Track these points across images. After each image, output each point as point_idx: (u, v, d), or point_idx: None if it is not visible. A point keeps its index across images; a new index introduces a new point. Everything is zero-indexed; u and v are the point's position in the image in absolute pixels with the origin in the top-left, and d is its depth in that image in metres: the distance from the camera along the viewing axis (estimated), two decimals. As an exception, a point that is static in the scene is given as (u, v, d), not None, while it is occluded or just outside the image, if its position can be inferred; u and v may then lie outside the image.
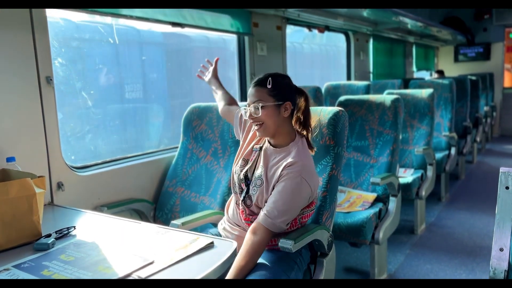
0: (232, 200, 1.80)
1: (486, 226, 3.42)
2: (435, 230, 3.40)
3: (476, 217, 3.63)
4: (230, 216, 1.77)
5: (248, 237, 1.53)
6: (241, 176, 1.69)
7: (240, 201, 1.67)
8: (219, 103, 2.11)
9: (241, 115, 1.87)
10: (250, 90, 1.64)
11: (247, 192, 1.65)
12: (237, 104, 2.07)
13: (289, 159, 1.58)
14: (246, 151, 1.76)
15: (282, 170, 1.57)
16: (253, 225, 1.56)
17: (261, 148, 1.71)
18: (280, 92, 1.61)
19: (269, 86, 1.60)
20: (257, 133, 1.65)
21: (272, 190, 1.58)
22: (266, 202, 1.58)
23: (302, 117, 1.68)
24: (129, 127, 2.85)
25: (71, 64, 2.40)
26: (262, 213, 1.55)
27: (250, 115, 1.61)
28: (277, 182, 1.57)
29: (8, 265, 1.24)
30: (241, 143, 1.83)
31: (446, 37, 8.01)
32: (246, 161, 1.73)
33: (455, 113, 4.43)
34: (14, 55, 1.86)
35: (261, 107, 1.58)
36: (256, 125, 1.62)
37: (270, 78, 1.61)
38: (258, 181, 1.64)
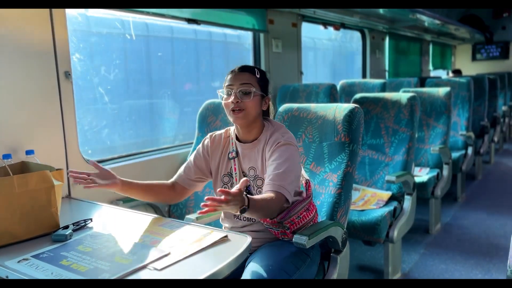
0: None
1: (503, 227, 3.36)
2: (451, 230, 3.36)
3: (493, 218, 3.57)
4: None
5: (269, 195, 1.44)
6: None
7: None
8: (159, 186, 1.73)
9: (204, 149, 1.72)
10: (235, 75, 1.57)
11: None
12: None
13: (274, 140, 1.56)
14: (223, 168, 1.67)
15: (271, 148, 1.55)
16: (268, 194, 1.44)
17: (236, 153, 1.65)
18: (265, 84, 1.62)
19: (257, 76, 1.59)
20: (234, 120, 1.57)
21: None
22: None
23: (268, 112, 1.68)
24: (145, 122, 2.87)
25: (89, 59, 2.43)
26: (270, 183, 1.46)
27: (236, 97, 1.53)
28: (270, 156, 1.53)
29: (27, 255, 1.27)
30: (213, 168, 1.70)
31: (464, 35, 7.89)
32: (229, 175, 1.66)
33: (472, 112, 4.35)
34: (34, 50, 1.89)
35: (253, 92, 1.55)
36: (238, 110, 1.54)
37: (256, 68, 1.61)
38: (258, 181, 1.60)
